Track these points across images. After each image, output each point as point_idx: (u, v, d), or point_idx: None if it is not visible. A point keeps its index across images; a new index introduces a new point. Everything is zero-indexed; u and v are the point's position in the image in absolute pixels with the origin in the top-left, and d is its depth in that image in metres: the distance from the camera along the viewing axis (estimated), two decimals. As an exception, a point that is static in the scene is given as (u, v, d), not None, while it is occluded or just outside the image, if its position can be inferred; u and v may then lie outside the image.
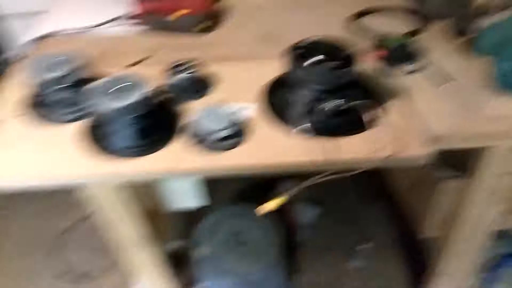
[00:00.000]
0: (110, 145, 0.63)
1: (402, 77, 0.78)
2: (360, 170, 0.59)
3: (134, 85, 0.63)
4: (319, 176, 0.61)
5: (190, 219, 1.55)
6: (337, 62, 0.62)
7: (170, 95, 0.73)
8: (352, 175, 0.59)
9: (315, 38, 0.68)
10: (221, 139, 0.62)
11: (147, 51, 0.90)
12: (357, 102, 0.62)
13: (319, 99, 0.63)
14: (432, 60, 0.81)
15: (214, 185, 1.70)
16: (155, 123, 0.64)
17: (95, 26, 0.99)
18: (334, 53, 0.65)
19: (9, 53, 1.30)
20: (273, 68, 0.75)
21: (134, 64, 0.86)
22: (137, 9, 0.99)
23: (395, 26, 0.92)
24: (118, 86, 0.63)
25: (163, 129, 0.65)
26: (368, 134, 0.64)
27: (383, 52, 0.80)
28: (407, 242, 1.46)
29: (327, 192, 1.68)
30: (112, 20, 1.00)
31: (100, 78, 0.67)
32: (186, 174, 0.63)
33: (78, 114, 0.69)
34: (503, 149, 0.75)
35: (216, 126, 0.62)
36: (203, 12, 0.97)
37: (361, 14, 0.99)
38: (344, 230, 1.56)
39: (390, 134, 0.63)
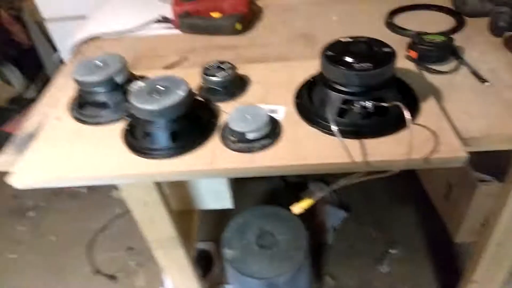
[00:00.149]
0: (146, 145, 0.64)
1: (438, 77, 0.77)
2: (393, 172, 0.58)
3: (171, 87, 0.64)
4: (350, 178, 0.61)
5: (218, 220, 1.57)
6: (371, 63, 0.62)
7: (205, 96, 0.74)
8: (383, 178, 0.58)
9: (348, 38, 0.68)
10: (255, 140, 0.63)
11: (184, 52, 0.93)
12: (391, 103, 0.62)
13: (351, 100, 0.63)
14: (469, 59, 0.79)
15: (242, 186, 1.71)
16: (190, 124, 0.65)
17: (134, 29, 1.03)
18: (368, 53, 0.64)
19: (56, 56, 1.37)
20: (307, 68, 0.75)
21: (171, 66, 0.88)
22: (174, 12, 1.02)
23: (431, 24, 0.91)
24: (156, 88, 0.64)
25: (198, 130, 0.66)
26: (402, 135, 0.63)
27: (419, 51, 0.79)
28: (439, 247, 1.42)
29: (357, 195, 1.67)
30: (150, 23, 1.03)
31: (139, 80, 0.69)
32: (220, 174, 0.64)
33: (118, 115, 0.71)
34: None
35: (250, 127, 0.62)
36: (238, 13, 0.99)
37: (396, 12, 0.98)
38: (373, 233, 1.54)
39: (425, 135, 0.62)
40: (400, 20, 0.95)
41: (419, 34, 0.82)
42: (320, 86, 0.68)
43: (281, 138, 0.64)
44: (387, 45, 0.65)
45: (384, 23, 0.95)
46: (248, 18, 1.02)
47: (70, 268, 1.57)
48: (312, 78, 0.73)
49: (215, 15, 0.99)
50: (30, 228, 1.75)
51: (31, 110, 0.80)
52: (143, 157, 0.63)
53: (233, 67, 0.74)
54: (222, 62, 0.75)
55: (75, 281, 1.53)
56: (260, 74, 0.79)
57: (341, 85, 0.63)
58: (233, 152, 0.63)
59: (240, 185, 1.69)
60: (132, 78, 0.75)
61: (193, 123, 0.65)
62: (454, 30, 0.89)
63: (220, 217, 1.58)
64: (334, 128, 0.61)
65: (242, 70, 0.79)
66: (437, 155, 0.59)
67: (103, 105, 0.72)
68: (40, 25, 2.00)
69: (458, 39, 0.84)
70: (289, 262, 1.16)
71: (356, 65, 0.61)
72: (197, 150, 0.63)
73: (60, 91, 0.84)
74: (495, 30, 0.85)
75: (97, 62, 0.73)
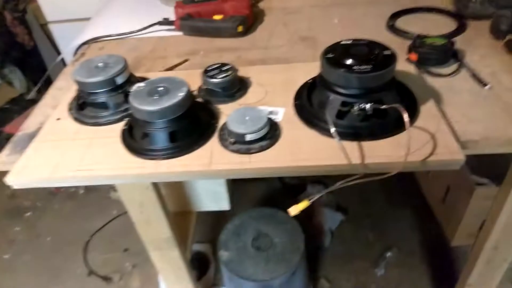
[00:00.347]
0: (144, 145, 0.64)
1: (438, 79, 0.77)
2: (390, 175, 0.58)
3: (171, 88, 0.64)
4: (347, 180, 0.61)
5: (215, 222, 1.57)
6: (371, 65, 0.62)
7: (205, 97, 0.74)
8: (380, 180, 0.58)
9: (348, 41, 0.68)
10: (254, 141, 0.63)
11: (185, 54, 0.93)
12: (390, 105, 0.62)
13: (350, 102, 0.63)
14: (469, 62, 0.80)
15: (240, 188, 1.71)
16: (190, 125, 0.65)
17: (136, 31, 1.04)
18: (368, 55, 0.64)
19: (58, 58, 1.39)
20: (308, 70, 0.75)
21: (172, 68, 0.88)
22: (176, 14, 1.02)
23: (432, 27, 0.91)
24: (157, 89, 0.64)
25: (197, 131, 0.65)
26: (401, 138, 0.63)
27: (419, 54, 0.79)
28: (435, 250, 1.42)
29: (354, 198, 1.67)
30: (152, 25, 1.03)
31: (140, 81, 0.69)
32: (218, 175, 0.63)
33: (118, 116, 0.71)
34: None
35: (249, 128, 0.62)
36: (240, 16, 0.99)
37: (398, 15, 0.98)
38: (370, 236, 1.54)
39: (423, 138, 0.62)
40: (402, 23, 0.95)
41: (420, 37, 0.82)
42: (319, 88, 0.68)
43: (279, 139, 0.64)
44: (387, 48, 0.65)
45: (385, 26, 0.96)
46: (249, 21, 1.02)
47: (65, 269, 1.56)
48: (312, 80, 0.73)
49: (217, 17, 0.99)
50: (26, 229, 1.74)
51: (32, 111, 0.80)
52: (141, 157, 0.63)
53: (233, 69, 0.74)
54: (223, 64, 0.75)
55: (69, 282, 1.52)
56: (260, 76, 0.79)
57: (340, 87, 0.63)
58: (232, 153, 0.62)
59: (237, 186, 1.69)
60: (132, 79, 0.74)
61: (192, 124, 0.65)
62: (455, 33, 0.89)
63: (216, 219, 1.58)
64: (332, 130, 0.61)
65: (242, 72, 0.79)
66: (435, 158, 0.59)
67: (103, 106, 0.72)
68: (43, 27, 2.02)
69: (459, 42, 0.84)
70: (285, 265, 1.16)
71: (356, 68, 0.61)
72: (196, 151, 0.63)
73: (62, 92, 0.84)
74: (497, 33, 0.85)
75: (98, 63, 0.73)
